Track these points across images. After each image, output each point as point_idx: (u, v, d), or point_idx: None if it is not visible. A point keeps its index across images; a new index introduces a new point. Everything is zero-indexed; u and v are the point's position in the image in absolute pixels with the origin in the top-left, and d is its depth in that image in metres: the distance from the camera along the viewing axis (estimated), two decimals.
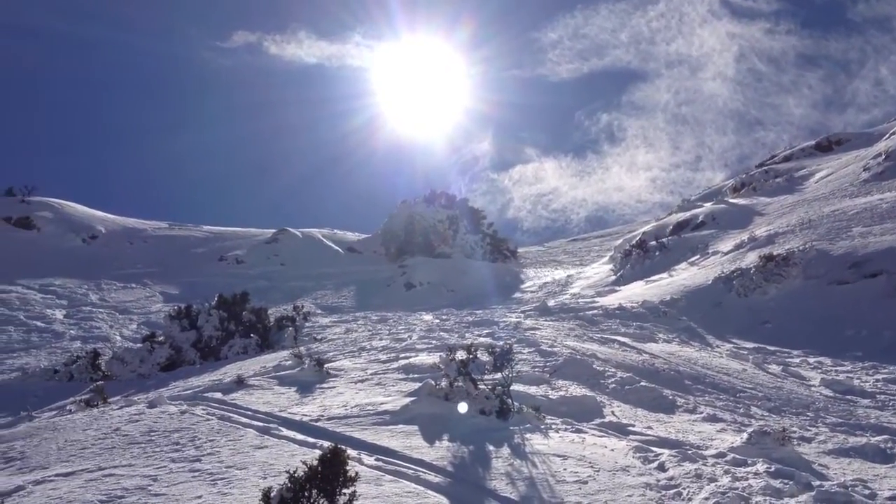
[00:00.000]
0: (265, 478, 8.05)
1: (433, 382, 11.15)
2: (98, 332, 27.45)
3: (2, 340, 25.43)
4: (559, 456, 8.45)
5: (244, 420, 11.01)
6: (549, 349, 14.92)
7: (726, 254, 28.77)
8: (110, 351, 22.34)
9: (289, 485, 5.39)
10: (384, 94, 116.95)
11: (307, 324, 23.81)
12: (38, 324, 27.81)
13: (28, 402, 16.98)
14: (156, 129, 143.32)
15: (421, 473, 8.01)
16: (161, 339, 21.33)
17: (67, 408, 15.31)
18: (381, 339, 18.05)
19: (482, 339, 15.70)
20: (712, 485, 7.44)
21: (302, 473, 5.43)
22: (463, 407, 10.18)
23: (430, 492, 7.48)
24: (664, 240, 35.63)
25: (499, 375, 10.70)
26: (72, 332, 27.18)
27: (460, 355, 11.26)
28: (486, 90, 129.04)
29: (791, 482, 7.55)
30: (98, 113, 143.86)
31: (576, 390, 11.91)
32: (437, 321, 21.07)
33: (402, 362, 13.99)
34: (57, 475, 9.40)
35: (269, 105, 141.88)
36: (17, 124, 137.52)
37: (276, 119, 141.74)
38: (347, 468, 5.56)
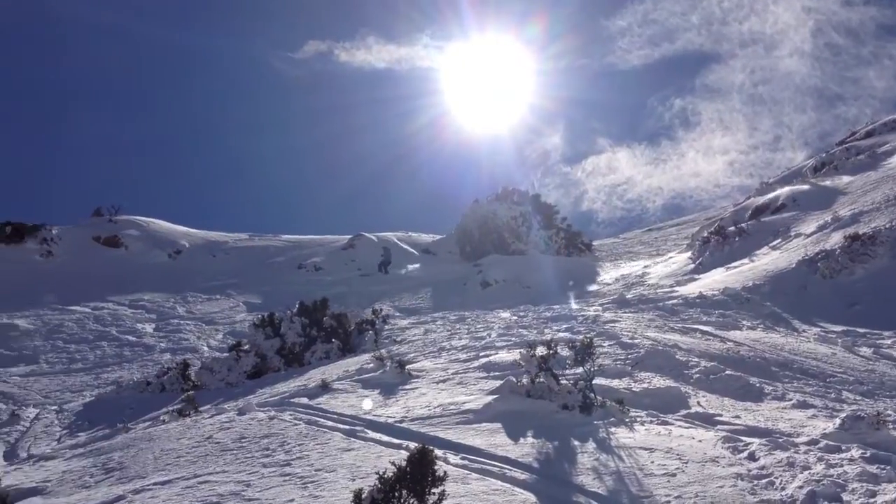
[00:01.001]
0: (354, 480, 8.19)
1: (514, 380, 11.18)
2: (186, 343, 28.16)
3: (97, 356, 26.30)
4: (646, 449, 8.39)
5: (330, 423, 11.21)
6: (630, 341, 14.79)
7: (809, 236, 28.06)
8: (199, 361, 22.86)
9: (379, 486, 5.49)
10: (454, 94, 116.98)
11: (386, 327, 24.02)
12: (130, 338, 28.67)
13: (123, 413, 17.53)
14: (232, 144, 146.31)
15: (507, 471, 8.05)
16: (246, 347, 21.77)
17: (161, 418, 15.77)
18: (460, 339, 18.13)
19: (561, 334, 15.65)
20: (806, 473, 7.30)
21: (391, 474, 5.53)
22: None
23: (517, 489, 7.51)
24: (743, 225, 34.90)
25: (580, 370, 10.66)
26: (161, 344, 27.94)
27: (540, 351, 11.25)
28: (555, 83, 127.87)
29: (888, 467, 7.35)
30: (174, 130, 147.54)
31: (659, 382, 11.79)
32: (515, 318, 21.04)
33: (483, 360, 14.03)
34: (155, 484, 9.72)
35: (341, 112, 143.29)
36: (97, 142, 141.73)
37: (349, 126, 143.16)
38: (435, 468, 5.64)
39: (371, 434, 10.21)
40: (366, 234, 50.71)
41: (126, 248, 48.75)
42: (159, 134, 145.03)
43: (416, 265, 44.99)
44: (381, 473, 5.67)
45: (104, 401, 20.04)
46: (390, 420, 10.89)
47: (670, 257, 39.64)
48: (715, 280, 26.32)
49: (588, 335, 12.97)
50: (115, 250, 48.17)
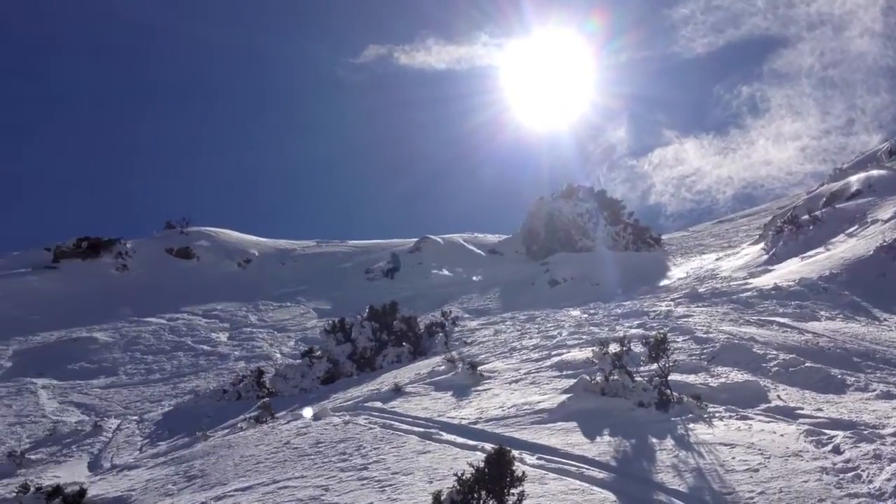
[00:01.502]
0: (431, 482, 8.20)
1: (588, 378, 11.08)
2: (259, 351, 28.59)
3: (173, 366, 26.89)
4: (726, 444, 8.22)
5: (405, 427, 11.26)
6: (705, 335, 14.53)
7: (887, 221, 27.21)
8: (273, 368, 23.20)
9: (458, 487, 5.48)
10: (514, 91, 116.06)
11: (456, 328, 24.05)
12: (205, 347, 29.24)
13: (202, 422, 17.87)
14: (297, 152, 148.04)
15: (584, 470, 7.96)
16: (319, 353, 22.02)
17: (238, 425, 16.04)
18: (530, 338, 18.04)
19: (633, 331, 15.45)
20: (893, 465, 7.07)
21: (469, 475, 5.52)
22: None
23: (595, 488, 7.43)
24: (818, 213, 34.03)
25: (655, 366, 10.50)
26: (235, 353, 28.42)
27: (613, 348, 11.14)
28: (618, 76, 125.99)
29: None
30: (239, 140, 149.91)
31: (737, 376, 11.54)
32: (586, 316, 20.86)
33: (555, 360, 13.94)
34: (236, 490, 9.88)
35: (402, 115, 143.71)
36: (164, 152, 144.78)
37: (411, 128, 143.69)
38: (514, 468, 5.61)
39: (446, 436, 10.22)
40: (431, 237, 50.82)
41: (198, 258, 49.77)
42: (225, 143, 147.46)
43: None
44: (459, 475, 5.66)
45: (182, 410, 20.46)
46: (464, 421, 10.89)
47: (742, 249, 38.89)
48: (790, 270, 25.70)
49: (661, 331, 12.79)
50: (187, 261, 49.22)
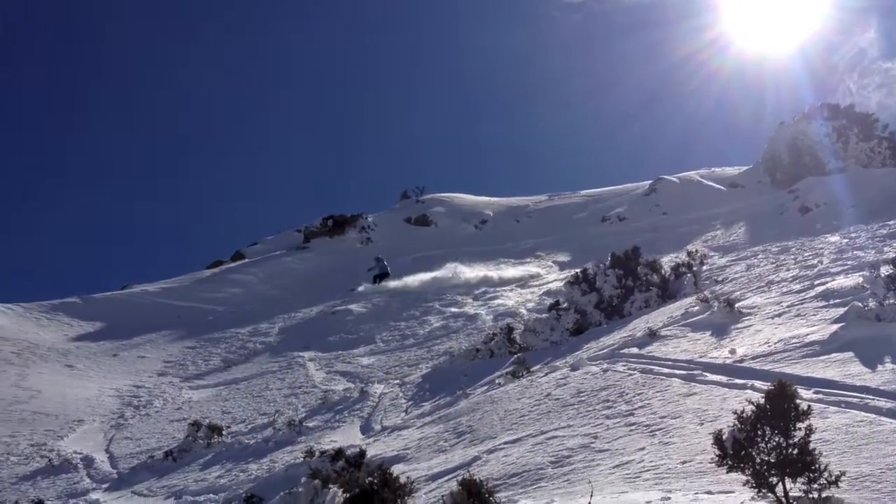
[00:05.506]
0: (702, 424, 8.04)
1: (860, 304, 10.37)
2: (504, 308, 29.03)
3: (425, 330, 27.95)
4: None
5: (666, 370, 11.08)
6: None
7: None
8: (521, 324, 23.51)
9: (739, 426, 5.32)
10: (742, 8, 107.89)
11: (704, 267, 23.24)
12: (453, 310, 30.07)
13: (460, 381, 18.47)
14: (522, 108, 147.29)
15: (868, 401, 7.48)
16: (565, 305, 22.07)
17: (496, 381, 16.44)
18: (787, 270, 17.11)
19: None
20: None
21: (750, 413, 5.33)
22: None
23: (883, 418, 6.96)
24: None
25: None
26: (482, 312, 29.05)
27: (885, 271, 10.36)
28: None
29: None
30: (467, 104, 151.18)
31: None
32: (847, 241, 19.45)
33: (819, 289, 13.11)
34: (505, 443, 10.18)
35: (625, 53, 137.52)
36: (391, 122, 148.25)
37: (634, 65, 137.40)
38: (797, 402, 5.34)
39: (710, 377, 9.95)
40: (666, 177, 49.31)
41: (435, 224, 51.38)
42: (451, 106, 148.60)
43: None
44: (738, 413, 5.48)
45: (440, 371, 21.24)
46: (728, 361, 10.55)
47: None
48: None
49: None
50: (425, 228, 50.96)
